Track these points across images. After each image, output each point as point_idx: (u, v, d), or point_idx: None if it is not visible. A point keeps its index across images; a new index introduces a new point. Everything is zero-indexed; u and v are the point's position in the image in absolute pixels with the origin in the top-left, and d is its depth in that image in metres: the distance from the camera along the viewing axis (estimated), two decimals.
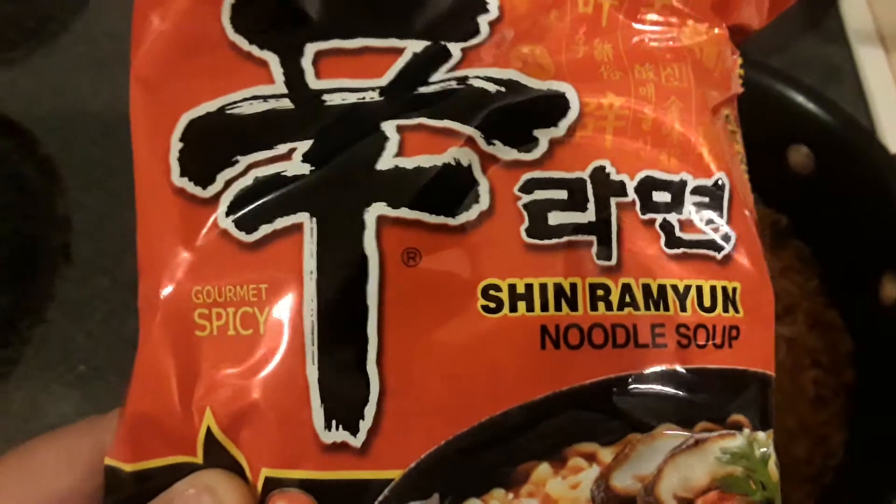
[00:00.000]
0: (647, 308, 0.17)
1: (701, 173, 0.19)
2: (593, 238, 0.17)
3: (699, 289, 0.18)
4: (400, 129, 0.17)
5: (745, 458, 0.17)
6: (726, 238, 0.19)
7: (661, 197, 0.18)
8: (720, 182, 0.19)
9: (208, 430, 0.17)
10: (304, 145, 0.18)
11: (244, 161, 0.18)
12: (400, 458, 0.16)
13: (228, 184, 0.17)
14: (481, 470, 0.17)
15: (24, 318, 0.35)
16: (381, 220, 0.17)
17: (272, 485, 0.17)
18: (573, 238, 0.17)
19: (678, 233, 0.18)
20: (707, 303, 0.18)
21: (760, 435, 0.18)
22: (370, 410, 0.16)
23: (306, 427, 0.16)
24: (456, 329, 0.17)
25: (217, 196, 0.17)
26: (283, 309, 0.17)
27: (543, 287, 0.17)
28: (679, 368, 0.17)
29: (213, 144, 0.18)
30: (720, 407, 0.18)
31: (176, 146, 0.18)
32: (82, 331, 0.35)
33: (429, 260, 0.17)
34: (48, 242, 0.36)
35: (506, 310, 0.17)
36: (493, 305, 0.17)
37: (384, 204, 0.17)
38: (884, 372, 0.31)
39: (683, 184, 0.19)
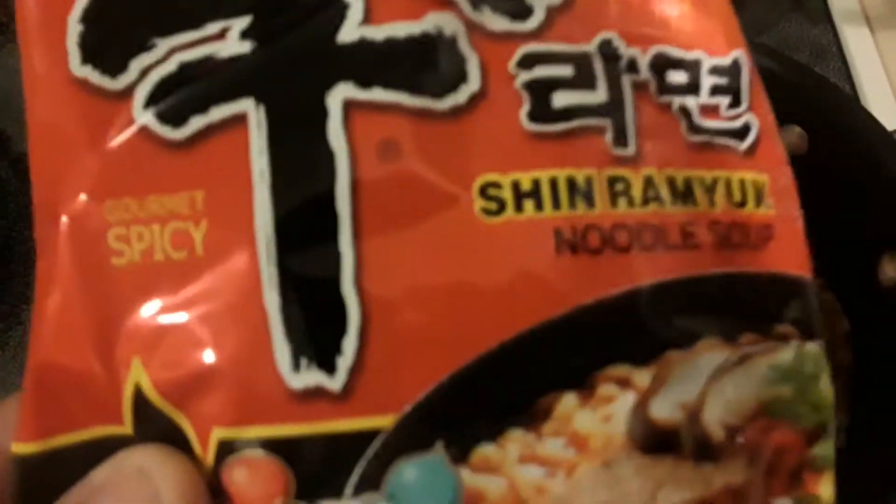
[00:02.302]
0: (675, 204, 0.15)
1: (717, 51, 0.16)
2: (607, 122, 0.14)
3: (727, 181, 0.15)
4: None
5: (795, 375, 0.15)
6: (748, 126, 0.16)
7: (676, 77, 0.15)
8: (737, 62, 0.16)
9: (137, 389, 0.13)
10: (242, 21, 0.14)
11: (164, 44, 0.14)
12: (391, 401, 0.13)
13: (145, 72, 0.14)
14: (493, 408, 0.13)
15: None
16: (349, 105, 0.13)
17: (227, 449, 0.13)
18: (584, 122, 0.14)
19: (698, 119, 0.15)
20: (737, 197, 0.15)
21: (810, 346, 0.15)
22: (350, 343, 0.13)
23: (268, 370, 0.13)
24: (451, 238, 0.13)
25: (131, 87, 0.13)
26: (227, 220, 0.13)
27: (553, 181, 0.14)
28: (715, 272, 0.15)
29: (122, 25, 0.14)
30: (764, 316, 0.15)
31: (75, 29, 0.14)
32: None
33: (411, 153, 0.13)
34: (23, 242, 0.36)
35: (510, 211, 0.14)
36: (494, 207, 0.14)
37: (351, 84, 0.13)
38: (881, 353, 0.30)
39: (699, 63, 0.16)
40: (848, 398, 0.31)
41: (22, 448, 0.13)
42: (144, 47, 0.14)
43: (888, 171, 0.30)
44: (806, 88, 0.31)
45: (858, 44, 0.43)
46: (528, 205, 0.14)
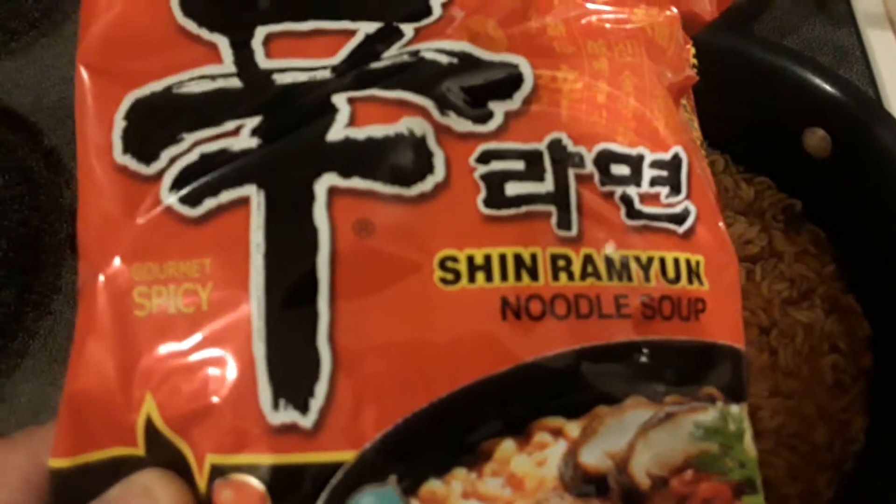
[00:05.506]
0: (611, 279, 0.17)
1: (658, 147, 0.19)
2: (552, 208, 0.17)
3: (662, 260, 0.18)
4: (351, 100, 0.17)
5: (719, 433, 0.17)
6: (687, 212, 0.18)
7: (619, 170, 0.18)
8: (678, 156, 0.19)
9: (148, 419, 0.16)
10: (253, 121, 0.17)
11: (190, 138, 0.17)
12: (354, 439, 0.15)
13: (173, 160, 0.17)
14: (441, 449, 0.15)
15: (30, 311, 0.36)
16: (332, 191, 0.16)
17: (217, 472, 0.15)
18: (532, 208, 0.17)
19: (638, 205, 0.18)
20: (671, 274, 0.18)
21: (734, 408, 0.17)
22: (321, 388, 0.15)
23: (253, 408, 0.15)
24: (413, 302, 0.16)
25: (160, 173, 0.17)
26: (227, 284, 0.16)
27: (502, 257, 0.16)
28: (645, 339, 0.17)
29: (157, 122, 0.17)
30: (690, 380, 0.17)
31: (119, 125, 0.17)
32: None
33: (382, 231, 0.16)
34: (54, 234, 0.36)
35: (464, 281, 0.16)
36: (450, 277, 0.16)
37: (335, 174, 0.16)
38: None
39: (641, 157, 0.18)
40: (868, 400, 0.31)
41: (57, 463, 0.16)
42: (174, 140, 0.17)
43: None
44: (832, 92, 0.32)
45: (882, 47, 0.43)
46: (480, 276, 0.16)
